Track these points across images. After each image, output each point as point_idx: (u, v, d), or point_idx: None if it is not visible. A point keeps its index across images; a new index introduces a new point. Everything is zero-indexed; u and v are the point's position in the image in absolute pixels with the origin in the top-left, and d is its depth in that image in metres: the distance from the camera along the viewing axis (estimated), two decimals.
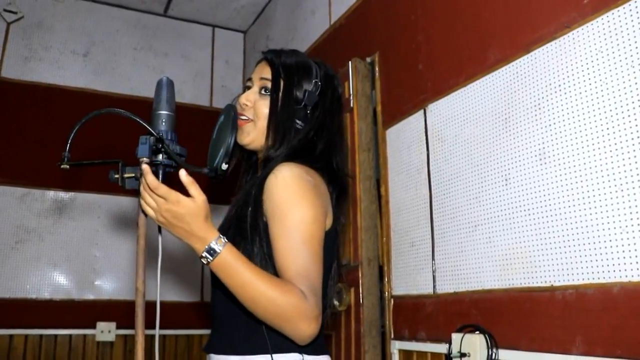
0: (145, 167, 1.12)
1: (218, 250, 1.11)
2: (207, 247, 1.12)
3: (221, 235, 1.13)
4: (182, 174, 1.11)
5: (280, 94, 1.39)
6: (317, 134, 1.41)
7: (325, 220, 1.29)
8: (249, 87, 1.47)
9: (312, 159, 1.36)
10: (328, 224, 1.32)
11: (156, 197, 1.12)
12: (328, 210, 1.33)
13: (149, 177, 1.11)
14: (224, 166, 1.28)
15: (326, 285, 1.36)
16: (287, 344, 1.22)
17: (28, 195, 3.72)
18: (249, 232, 1.26)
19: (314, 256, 1.21)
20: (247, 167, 1.55)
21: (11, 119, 3.75)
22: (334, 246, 1.38)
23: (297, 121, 1.39)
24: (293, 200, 1.23)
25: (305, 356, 1.26)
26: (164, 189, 1.11)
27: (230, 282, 1.13)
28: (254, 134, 1.41)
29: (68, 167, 1.19)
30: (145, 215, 1.19)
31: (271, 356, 1.23)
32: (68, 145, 1.19)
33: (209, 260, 1.12)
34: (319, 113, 1.42)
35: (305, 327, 1.13)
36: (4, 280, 3.54)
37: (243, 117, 1.42)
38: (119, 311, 3.72)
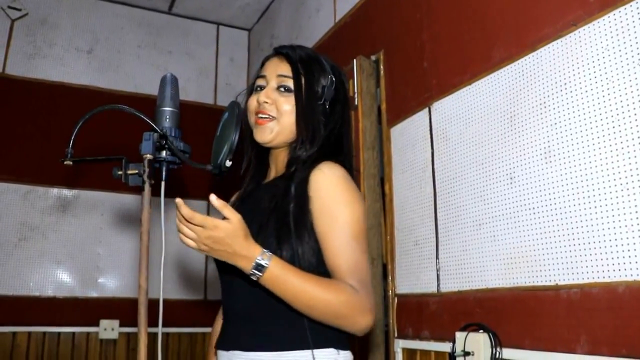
0: (179, 201, 1.11)
1: (266, 265, 1.13)
2: (254, 264, 1.13)
3: (264, 250, 1.15)
4: (213, 198, 1.11)
5: (304, 91, 1.38)
6: (342, 129, 1.44)
7: None
8: (260, 86, 1.43)
9: (344, 158, 1.40)
10: None
11: (193, 227, 1.11)
12: None
13: (183, 209, 1.10)
14: (228, 163, 1.27)
15: None
16: (324, 339, 1.26)
17: (32, 193, 3.72)
18: (296, 229, 1.27)
19: (363, 251, 1.27)
20: (257, 166, 1.54)
21: (15, 116, 3.75)
22: None
23: (321, 117, 1.40)
24: (343, 197, 1.27)
25: (340, 351, 1.30)
26: (199, 218, 1.10)
27: (284, 292, 1.16)
28: (277, 130, 1.39)
29: (71, 163, 1.18)
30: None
31: (312, 352, 1.24)
32: (71, 141, 1.18)
33: (258, 276, 1.14)
34: (339, 107, 1.43)
35: (362, 320, 1.19)
36: (8, 277, 3.55)
37: (263, 116, 1.39)
38: (122, 309, 3.72)
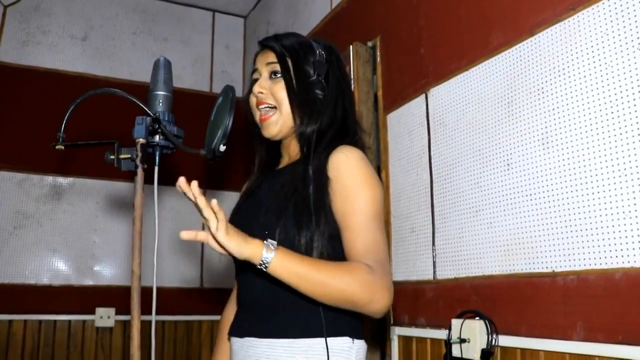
0: (194, 187, 1.06)
1: (271, 253, 1.11)
2: (264, 250, 1.11)
3: (267, 241, 1.12)
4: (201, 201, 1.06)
5: (292, 72, 1.38)
6: (345, 103, 1.43)
7: None
8: (255, 79, 1.45)
9: (357, 140, 1.42)
10: None
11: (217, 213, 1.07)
12: None
13: (202, 200, 1.05)
14: (222, 148, 1.26)
15: None
16: (339, 328, 1.26)
17: (26, 181, 3.70)
18: (316, 213, 1.26)
19: (382, 232, 1.26)
20: (268, 158, 1.53)
21: (9, 104, 3.72)
22: None
23: (317, 92, 1.39)
24: (364, 179, 1.28)
25: (355, 340, 1.29)
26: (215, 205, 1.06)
27: (294, 281, 1.13)
28: (281, 121, 1.40)
29: (63, 147, 1.17)
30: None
31: (325, 340, 1.23)
32: (63, 125, 1.17)
33: (266, 265, 1.11)
34: (332, 79, 1.42)
35: (380, 298, 1.16)
36: (3, 265, 3.53)
37: (263, 107, 1.40)
38: (118, 297, 3.71)
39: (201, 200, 1.05)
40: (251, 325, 1.33)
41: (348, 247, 1.24)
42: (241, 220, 1.40)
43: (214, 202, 1.07)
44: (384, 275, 1.18)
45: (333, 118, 1.39)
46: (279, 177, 1.42)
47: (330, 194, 1.28)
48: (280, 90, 1.38)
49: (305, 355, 1.23)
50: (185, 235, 1.10)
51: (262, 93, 1.40)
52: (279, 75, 1.39)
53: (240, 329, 1.36)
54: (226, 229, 1.08)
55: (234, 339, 1.37)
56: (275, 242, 1.14)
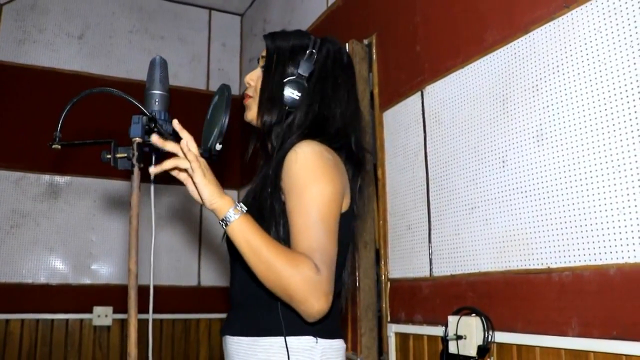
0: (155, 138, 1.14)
1: (238, 212, 1.12)
2: (230, 209, 1.12)
3: (238, 203, 1.14)
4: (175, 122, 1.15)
5: (272, 69, 1.39)
6: (323, 106, 1.37)
7: (343, 199, 1.27)
8: None
9: (330, 138, 1.33)
10: (345, 204, 1.30)
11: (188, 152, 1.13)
12: (346, 190, 1.30)
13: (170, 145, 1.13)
14: (218, 146, 1.26)
15: (342, 266, 1.34)
16: (301, 326, 1.22)
17: (23, 180, 3.70)
18: (270, 214, 1.25)
19: (330, 233, 1.19)
20: (264, 151, 1.53)
21: (6, 103, 3.72)
22: (349, 227, 1.35)
23: (292, 91, 1.36)
24: (312, 175, 1.21)
25: (319, 339, 1.25)
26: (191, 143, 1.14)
27: (244, 247, 1.12)
28: (253, 108, 1.42)
29: (59, 147, 1.17)
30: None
31: (285, 338, 1.22)
32: (59, 125, 1.17)
33: (227, 222, 1.12)
34: (317, 82, 1.38)
35: (314, 301, 1.10)
36: (0, 264, 3.54)
37: (247, 94, 1.45)
38: (115, 295, 3.71)
39: (188, 143, 1.12)
40: (229, 323, 1.35)
41: (293, 246, 1.18)
42: None
43: (185, 143, 1.12)
44: (327, 281, 1.13)
45: (304, 119, 1.36)
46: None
47: (282, 197, 1.25)
48: (260, 83, 1.43)
49: (267, 354, 1.23)
50: (153, 169, 1.14)
51: (249, 84, 1.45)
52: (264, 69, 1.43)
53: (223, 327, 1.39)
54: (204, 173, 1.12)
55: (223, 337, 1.40)
56: (245, 208, 1.14)
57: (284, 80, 1.37)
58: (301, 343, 1.24)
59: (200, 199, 1.15)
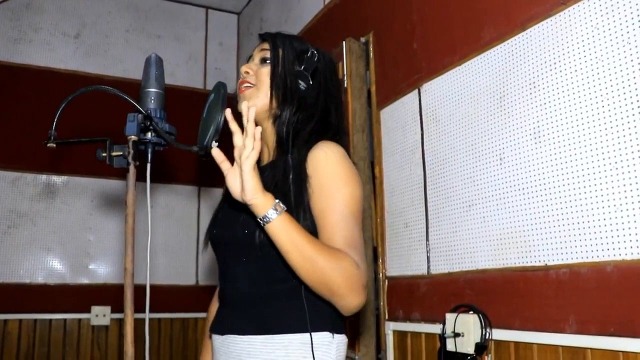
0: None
1: (279, 211, 1.13)
2: (272, 206, 1.13)
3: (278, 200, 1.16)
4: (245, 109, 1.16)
5: (280, 59, 1.41)
6: (328, 100, 1.43)
7: None
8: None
9: (339, 138, 1.40)
10: None
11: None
12: None
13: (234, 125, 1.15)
14: (214, 145, 1.26)
15: None
16: (319, 322, 1.25)
17: (20, 179, 3.69)
18: (295, 209, 1.26)
19: (360, 231, 1.25)
20: None
21: (2, 103, 3.71)
22: None
23: (301, 82, 1.40)
24: (344, 176, 1.27)
25: (335, 335, 1.29)
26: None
27: (287, 245, 1.13)
28: (254, 97, 1.41)
29: (54, 145, 1.17)
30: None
31: (310, 334, 1.23)
32: (54, 123, 1.16)
33: (269, 220, 1.13)
34: (320, 77, 1.44)
35: (355, 295, 1.15)
36: None
37: (244, 85, 1.43)
38: (113, 295, 3.70)
39: (251, 126, 1.12)
40: (232, 322, 1.33)
41: (328, 243, 1.21)
42: (224, 218, 1.40)
43: (258, 131, 1.12)
44: (365, 275, 1.18)
45: (313, 111, 1.40)
46: (261, 174, 1.42)
47: (309, 192, 1.27)
48: (265, 74, 1.41)
49: (286, 351, 1.24)
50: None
51: (247, 73, 1.44)
52: (268, 61, 1.42)
53: (221, 326, 1.36)
54: (254, 165, 1.12)
55: (215, 337, 1.37)
56: (284, 206, 1.15)
57: (295, 72, 1.40)
58: (319, 339, 1.26)
59: (239, 191, 1.14)
